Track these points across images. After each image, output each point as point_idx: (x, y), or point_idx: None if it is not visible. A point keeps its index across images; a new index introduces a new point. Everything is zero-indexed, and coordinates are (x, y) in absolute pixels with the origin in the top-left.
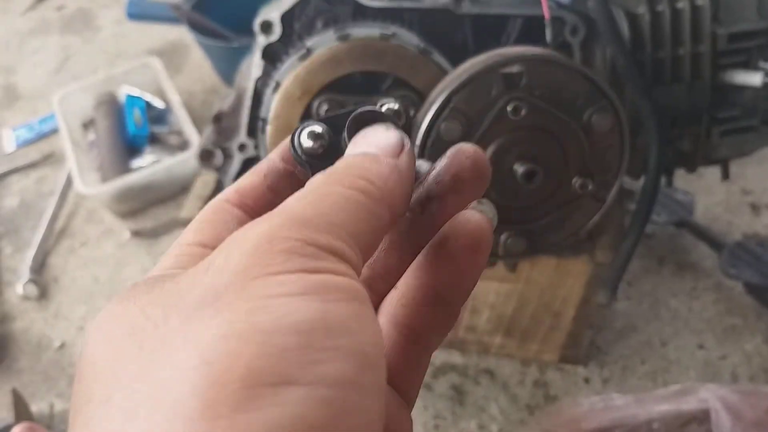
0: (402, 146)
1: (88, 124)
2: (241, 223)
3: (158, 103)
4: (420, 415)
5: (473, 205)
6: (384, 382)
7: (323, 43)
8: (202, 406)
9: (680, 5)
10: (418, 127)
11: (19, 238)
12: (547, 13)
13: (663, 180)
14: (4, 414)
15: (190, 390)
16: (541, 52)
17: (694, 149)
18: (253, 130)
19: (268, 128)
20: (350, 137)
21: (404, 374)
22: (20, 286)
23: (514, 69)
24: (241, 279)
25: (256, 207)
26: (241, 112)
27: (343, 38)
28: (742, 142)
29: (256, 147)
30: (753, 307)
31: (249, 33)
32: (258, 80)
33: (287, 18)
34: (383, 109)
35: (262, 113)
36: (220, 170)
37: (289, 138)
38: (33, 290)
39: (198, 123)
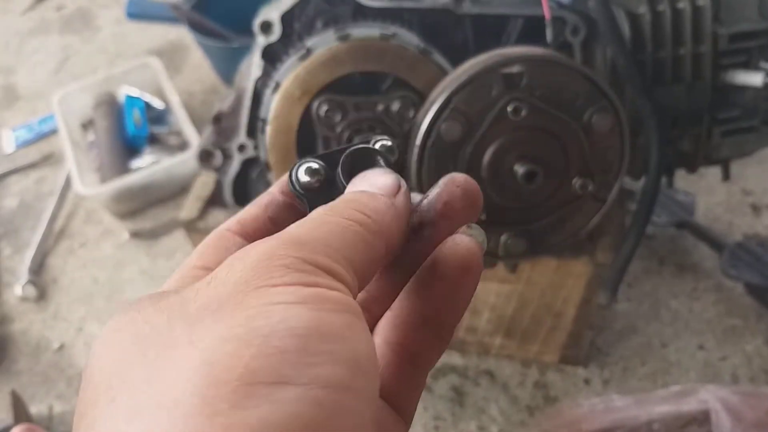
0: (399, 187)
1: (87, 125)
2: None
3: (158, 104)
4: (420, 416)
5: (463, 230)
6: (376, 390)
7: (323, 43)
8: (201, 404)
9: (681, 5)
10: (418, 128)
11: (18, 239)
12: (547, 13)
13: (663, 180)
14: (3, 415)
15: (191, 389)
16: (542, 52)
17: (695, 149)
18: (253, 131)
19: (268, 129)
20: (344, 173)
21: (400, 393)
22: (19, 287)
23: (515, 69)
24: (242, 290)
25: (257, 236)
26: (240, 113)
27: (343, 38)
28: (743, 143)
29: (256, 147)
30: (753, 308)
31: (249, 33)
32: (258, 80)
33: (287, 18)
34: (377, 146)
35: (262, 113)
36: (220, 171)
37: (287, 173)
38: (32, 291)
39: (197, 123)
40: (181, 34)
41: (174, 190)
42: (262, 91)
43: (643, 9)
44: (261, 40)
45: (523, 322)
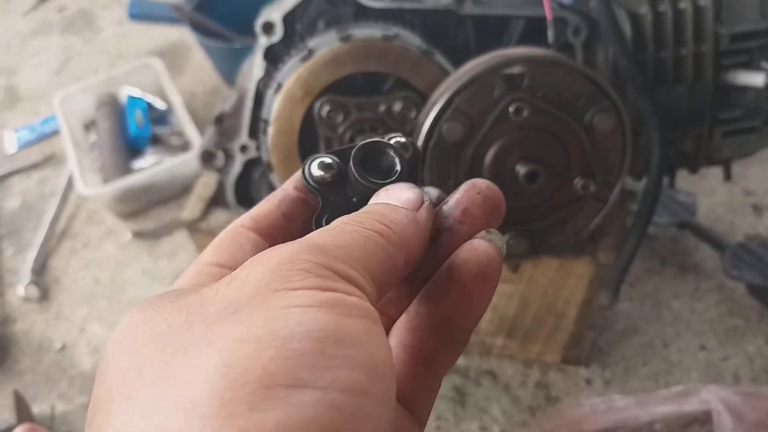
0: (421, 202)
1: (89, 125)
2: (257, 246)
3: (160, 104)
4: None
5: (481, 235)
6: (393, 395)
7: (325, 43)
8: (219, 405)
9: (682, 5)
10: (420, 128)
11: (20, 240)
12: (549, 14)
13: (665, 181)
14: (5, 415)
15: (208, 390)
16: (543, 52)
17: (697, 150)
18: (255, 131)
19: (270, 129)
20: (356, 166)
21: (415, 395)
22: (21, 288)
23: (516, 70)
24: (262, 292)
25: (271, 232)
26: (242, 113)
27: (345, 39)
28: (745, 143)
29: (258, 148)
30: (755, 309)
31: (251, 34)
32: (260, 81)
33: (289, 19)
34: (392, 141)
35: (264, 114)
36: (222, 171)
37: (301, 168)
38: (34, 292)
39: (199, 124)
40: (183, 34)
41: (176, 191)
42: (264, 92)
43: (644, 9)
44: (263, 41)
45: (525, 322)
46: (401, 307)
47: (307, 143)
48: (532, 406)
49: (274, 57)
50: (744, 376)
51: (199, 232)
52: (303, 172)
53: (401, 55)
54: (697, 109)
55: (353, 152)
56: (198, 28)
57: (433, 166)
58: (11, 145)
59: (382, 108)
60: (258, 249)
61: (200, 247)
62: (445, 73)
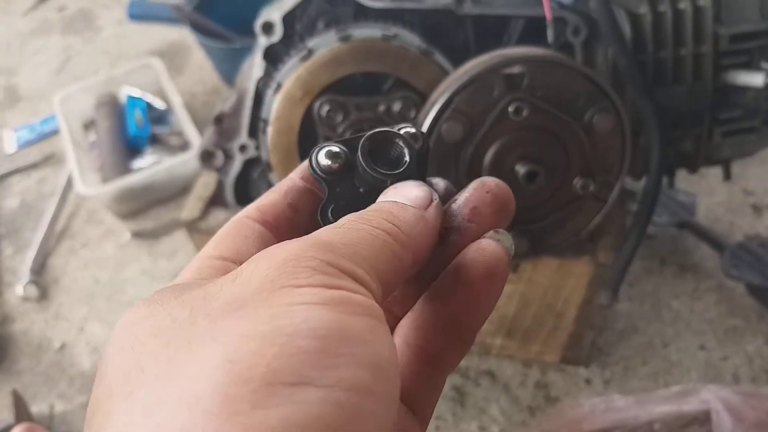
0: (430, 200)
1: (89, 125)
2: (261, 238)
3: (159, 104)
4: None
5: (490, 234)
6: (397, 393)
7: (324, 43)
8: (222, 402)
9: (682, 6)
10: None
11: (19, 239)
12: (548, 14)
13: (665, 181)
14: (4, 415)
15: (212, 386)
16: (543, 52)
17: (696, 150)
18: (254, 131)
19: (269, 129)
20: (364, 156)
21: (418, 394)
22: (20, 287)
23: (516, 70)
24: (267, 289)
25: (277, 223)
26: (242, 113)
27: (345, 39)
28: (744, 143)
29: (257, 148)
30: (755, 309)
31: (250, 34)
32: (259, 81)
33: (288, 19)
34: (401, 132)
35: (263, 114)
36: (221, 171)
37: (308, 157)
38: (33, 291)
39: (199, 124)
40: (183, 34)
41: (175, 191)
42: (263, 92)
43: (644, 9)
44: (262, 41)
45: (525, 322)
46: (407, 306)
47: (306, 143)
48: (532, 406)
49: (273, 57)
50: (743, 375)
51: (199, 231)
52: (310, 160)
53: (401, 55)
54: (697, 109)
55: (361, 142)
56: (198, 28)
57: (432, 166)
58: (11, 145)
59: (381, 108)
60: (262, 241)
61: (199, 247)
62: (445, 73)
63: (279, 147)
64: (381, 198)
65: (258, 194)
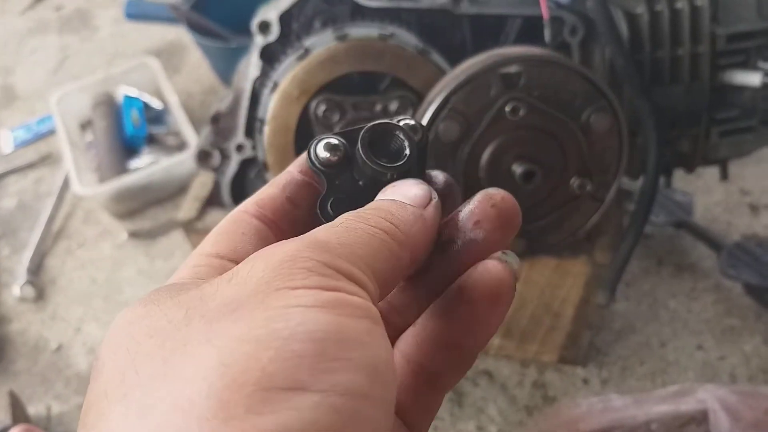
0: (429, 199)
1: (85, 125)
2: (259, 234)
3: (156, 104)
4: None
5: (497, 255)
6: (393, 397)
7: (321, 43)
8: (217, 406)
9: (679, 5)
10: None
11: (16, 240)
12: (545, 13)
13: (662, 180)
14: (1, 416)
15: (206, 390)
16: (540, 52)
17: (693, 149)
18: (251, 131)
19: (266, 129)
20: (364, 148)
21: (414, 411)
22: (17, 288)
23: (513, 69)
24: (263, 290)
25: (275, 218)
26: (238, 113)
27: (342, 38)
28: (741, 143)
29: (254, 147)
30: (752, 308)
31: (247, 33)
32: (256, 80)
33: (285, 18)
34: (401, 123)
35: (260, 114)
36: (218, 171)
37: (307, 149)
38: (30, 292)
39: (196, 123)
40: (180, 34)
41: (172, 191)
42: (260, 91)
43: (641, 9)
44: (259, 40)
45: (522, 322)
46: (404, 316)
47: (303, 143)
48: (529, 406)
49: (270, 56)
50: (741, 375)
51: (196, 231)
52: (308, 153)
53: (397, 55)
54: (694, 108)
55: (361, 133)
56: (195, 27)
57: (429, 166)
58: (7, 145)
59: (378, 107)
60: (260, 237)
61: (196, 247)
62: (442, 73)
63: (276, 146)
64: (380, 196)
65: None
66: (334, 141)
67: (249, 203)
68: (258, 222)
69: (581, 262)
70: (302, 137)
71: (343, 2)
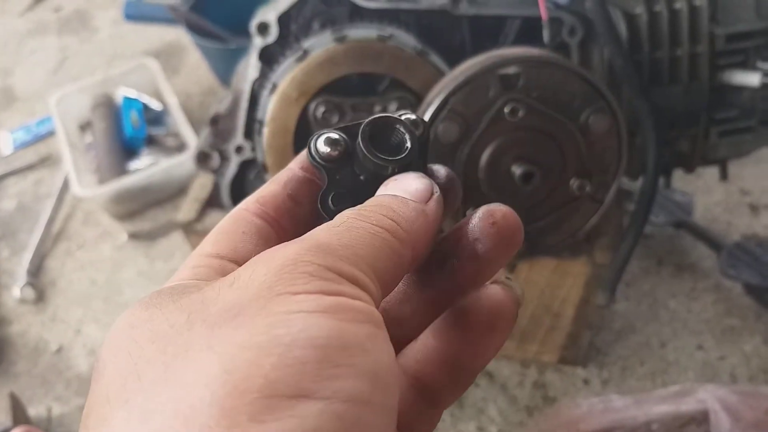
0: (431, 193)
1: (85, 126)
2: (260, 233)
3: (155, 105)
4: None
5: (501, 279)
6: (395, 403)
7: (320, 44)
8: (219, 414)
9: (678, 5)
10: None
11: (16, 241)
12: (544, 14)
13: (661, 181)
14: (2, 418)
15: (209, 397)
16: (539, 53)
17: (693, 150)
18: (250, 132)
19: (265, 130)
20: (364, 142)
21: (414, 425)
22: (17, 290)
23: (512, 70)
24: (265, 295)
25: (277, 216)
26: (237, 114)
27: (340, 39)
28: (741, 143)
29: (253, 149)
30: (752, 308)
31: (246, 34)
32: (255, 82)
33: (284, 19)
34: (402, 118)
35: (259, 115)
36: (217, 172)
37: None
38: (30, 293)
39: (195, 125)
40: (179, 35)
41: (172, 192)
42: (259, 93)
43: (639, 9)
44: (258, 42)
45: (522, 322)
46: (403, 328)
47: (302, 144)
48: (530, 406)
49: (269, 58)
50: (741, 375)
51: (195, 233)
52: (309, 147)
53: (396, 56)
54: (693, 109)
55: (362, 127)
56: (194, 28)
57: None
58: (7, 146)
59: (377, 108)
60: (261, 236)
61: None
62: (441, 74)
63: (275, 148)
64: (381, 190)
65: None
66: (334, 136)
67: (250, 201)
68: (259, 220)
69: (581, 263)
70: (301, 139)
71: (342, 3)
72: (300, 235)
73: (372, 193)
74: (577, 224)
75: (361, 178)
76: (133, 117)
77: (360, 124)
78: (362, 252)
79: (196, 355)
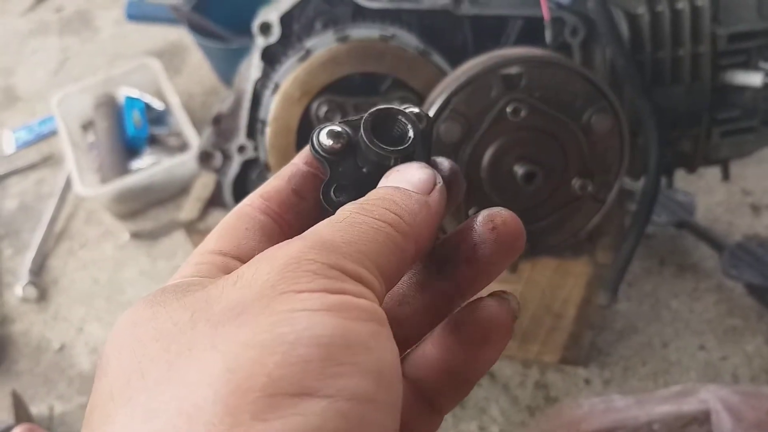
0: (434, 183)
1: (87, 126)
2: (263, 229)
3: (157, 105)
4: None
5: (497, 293)
6: (399, 401)
7: (322, 44)
8: (222, 413)
9: (680, 6)
10: None
11: (18, 240)
12: (546, 14)
13: (663, 181)
14: (4, 416)
15: (212, 396)
16: (541, 53)
17: (694, 150)
18: (253, 132)
19: (267, 130)
20: (366, 132)
21: (413, 428)
22: (20, 288)
23: (514, 70)
24: (268, 294)
25: (281, 211)
26: (240, 114)
27: (343, 39)
28: (742, 143)
29: (256, 148)
30: (754, 308)
31: (248, 34)
32: (257, 82)
33: (286, 19)
34: (406, 111)
35: (261, 115)
36: (220, 172)
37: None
38: (32, 292)
39: (197, 124)
40: (181, 35)
41: (174, 191)
42: (261, 93)
43: (641, 9)
44: (260, 42)
45: (524, 322)
46: (405, 331)
47: (304, 144)
48: (531, 406)
49: (271, 57)
50: (743, 375)
51: (197, 232)
52: (311, 140)
53: (398, 56)
54: (695, 109)
55: (364, 117)
56: (196, 28)
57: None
58: (9, 146)
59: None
60: (264, 233)
61: None
62: (443, 74)
63: (277, 147)
64: (383, 181)
65: None
66: (337, 128)
67: (254, 196)
68: (263, 216)
69: (583, 263)
70: (304, 138)
71: (344, 3)
72: (304, 230)
73: (375, 185)
74: (579, 224)
75: (364, 170)
76: (135, 117)
77: (362, 117)
78: (365, 248)
79: (199, 353)
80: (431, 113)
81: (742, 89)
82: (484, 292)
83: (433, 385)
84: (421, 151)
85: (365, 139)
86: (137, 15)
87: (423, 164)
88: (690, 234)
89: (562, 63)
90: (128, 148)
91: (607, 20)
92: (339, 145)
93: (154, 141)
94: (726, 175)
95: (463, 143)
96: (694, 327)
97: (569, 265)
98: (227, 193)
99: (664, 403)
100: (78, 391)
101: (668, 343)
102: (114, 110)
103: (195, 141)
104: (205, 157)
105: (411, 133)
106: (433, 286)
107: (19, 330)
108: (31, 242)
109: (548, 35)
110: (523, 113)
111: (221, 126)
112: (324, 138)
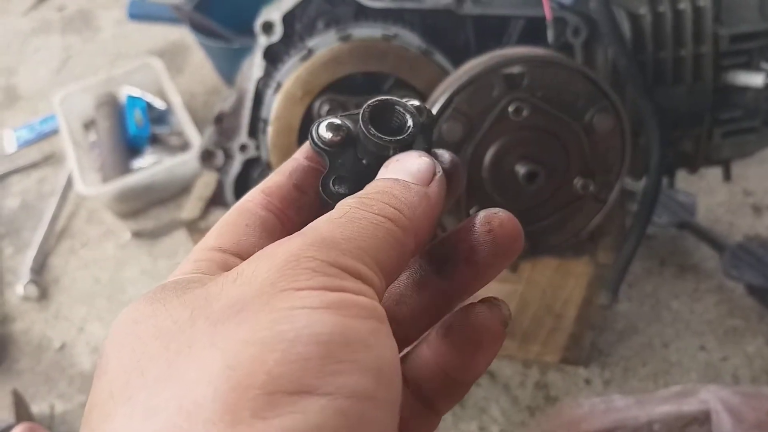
0: (433, 173)
1: (89, 125)
2: (264, 225)
3: (159, 104)
4: None
5: (489, 297)
6: (398, 398)
7: (324, 43)
8: (222, 410)
9: (682, 6)
10: None
11: (19, 239)
12: (548, 14)
13: (665, 181)
14: (4, 415)
15: (212, 393)
16: (543, 52)
17: (696, 150)
18: (254, 131)
19: (269, 129)
20: (365, 122)
21: (412, 428)
22: (21, 287)
23: (516, 70)
24: (268, 291)
25: (283, 206)
26: (242, 113)
27: (345, 39)
28: (744, 143)
29: (258, 147)
30: (755, 309)
31: (250, 33)
32: (259, 81)
33: (288, 18)
34: (408, 104)
35: (263, 114)
36: (221, 171)
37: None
38: (33, 291)
39: (199, 124)
40: (183, 34)
41: (175, 191)
42: (263, 92)
43: (643, 10)
44: (262, 41)
45: (524, 322)
46: (404, 329)
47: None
48: (531, 406)
49: (273, 57)
50: (743, 376)
51: (199, 231)
52: (311, 134)
53: (401, 55)
54: (697, 109)
55: (363, 108)
56: (197, 27)
57: None
58: (11, 145)
59: None
60: (265, 228)
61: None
62: (445, 73)
63: (279, 147)
64: (382, 172)
65: None
66: (336, 121)
67: (255, 192)
68: (264, 212)
69: (584, 263)
70: (305, 138)
71: (347, 3)
72: (306, 225)
73: (374, 176)
74: (580, 224)
75: (364, 161)
76: (136, 116)
77: (361, 110)
78: (365, 244)
79: (199, 351)
80: (433, 112)
81: (744, 90)
82: (484, 292)
83: (429, 387)
84: (421, 143)
85: (364, 129)
86: (139, 14)
87: (422, 152)
88: (691, 234)
89: (564, 63)
90: (130, 148)
91: (609, 20)
92: (338, 137)
93: (155, 140)
94: (727, 176)
95: (465, 143)
96: (695, 327)
97: (570, 265)
98: (229, 192)
99: (664, 403)
100: (79, 390)
101: (669, 343)
102: (115, 109)
103: (196, 140)
104: (206, 156)
105: (410, 123)
106: (431, 285)
107: (20, 329)
108: (32, 241)
109: (550, 35)
110: (524, 113)
111: (223, 125)
112: (323, 131)
